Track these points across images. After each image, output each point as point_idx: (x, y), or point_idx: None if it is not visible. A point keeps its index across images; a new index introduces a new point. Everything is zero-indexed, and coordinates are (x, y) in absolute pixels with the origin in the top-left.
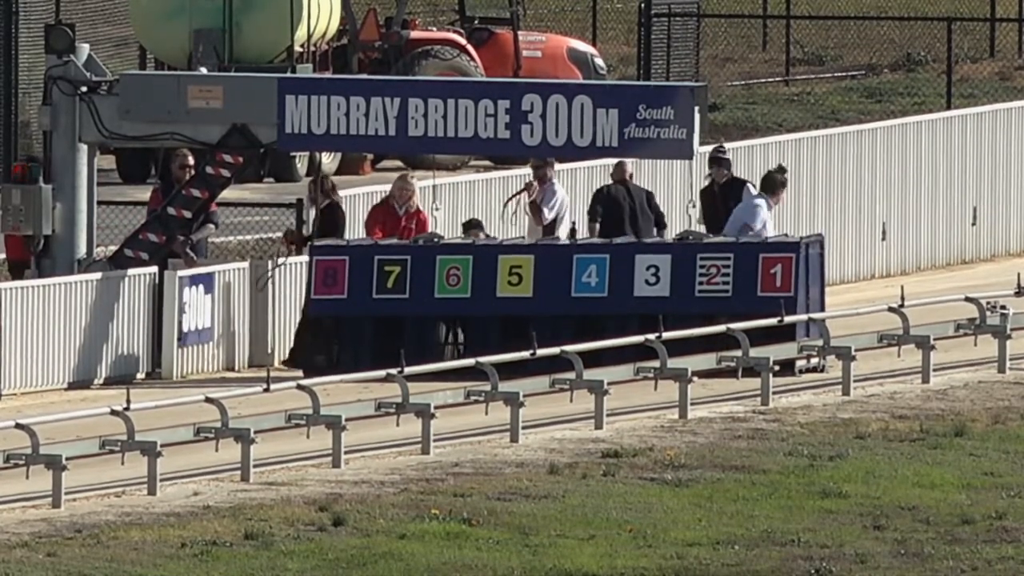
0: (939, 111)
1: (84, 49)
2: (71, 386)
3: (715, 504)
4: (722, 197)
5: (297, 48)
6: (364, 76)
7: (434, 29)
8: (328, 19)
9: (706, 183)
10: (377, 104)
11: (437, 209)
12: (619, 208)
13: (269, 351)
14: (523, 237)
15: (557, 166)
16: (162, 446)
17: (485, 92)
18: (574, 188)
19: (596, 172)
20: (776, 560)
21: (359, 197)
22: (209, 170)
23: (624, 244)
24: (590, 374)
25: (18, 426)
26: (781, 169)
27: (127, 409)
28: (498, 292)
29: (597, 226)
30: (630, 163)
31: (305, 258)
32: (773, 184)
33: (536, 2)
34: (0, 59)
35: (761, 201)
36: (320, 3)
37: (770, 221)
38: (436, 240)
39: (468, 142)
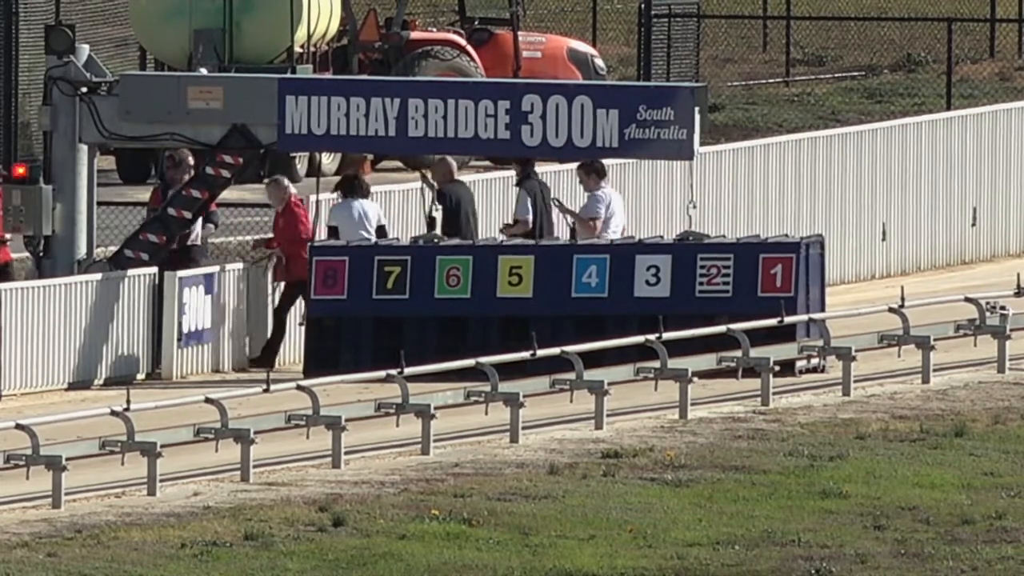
0: (939, 112)
1: (84, 50)
2: (71, 387)
3: (715, 504)
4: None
5: (297, 49)
6: (364, 77)
7: (434, 30)
8: (328, 20)
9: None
10: (377, 105)
11: (437, 209)
12: (459, 210)
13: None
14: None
15: (558, 166)
16: (162, 446)
17: (485, 93)
18: (574, 189)
19: None
20: (776, 560)
21: None
22: (209, 171)
23: (624, 244)
24: (590, 374)
25: (18, 427)
26: None
27: (127, 410)
28: (498, 292)
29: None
30: (452, 160)
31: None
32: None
33: (536, 3)
34: (0, 60)
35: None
36: (320, 4)
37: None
38: (436, 240)
39: (468, 143)
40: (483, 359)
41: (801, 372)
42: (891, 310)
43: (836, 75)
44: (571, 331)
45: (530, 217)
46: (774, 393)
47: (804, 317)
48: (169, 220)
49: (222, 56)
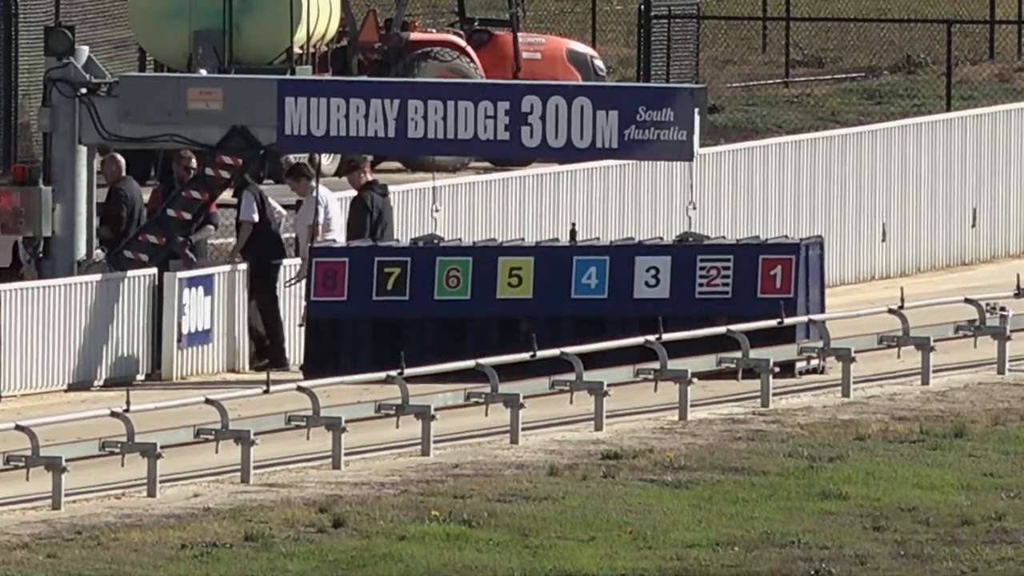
0: (939, 113)
1: (84, 51)
2: (71, 388)
3: (715, 505)
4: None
5: (297, 50)
6: (364, 78)
7: (434, 31)
8: (328, 21)
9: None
10: (377, 106)
11: (437, 211)
12: (132, 208)
13: None
14: (522, 239)
15: (558, 168)
16: (162, 447)
17: (485, 94)
18: (573, 190)
19: (595, 174)
20: (776, 561)
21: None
22: (209, 172)
23: (624, 246)
24: (590, 376)
25: (18, 428)
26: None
27: (127, 411)
28: (498, 294)
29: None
30: (120, 157)
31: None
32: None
33: (536, 4)
34: (0, 61)
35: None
36: (320, 4)
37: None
38: (436, 242)
39: (468, 144)
40: (483, 360)
41: (801, 373)
42: (891, 311)
43: (836, 76)
44: (571, 332)
45: (255, 217)
46: (774, 394)
47: (804, 318)
48: (169, 221)
49: (222, 57)
